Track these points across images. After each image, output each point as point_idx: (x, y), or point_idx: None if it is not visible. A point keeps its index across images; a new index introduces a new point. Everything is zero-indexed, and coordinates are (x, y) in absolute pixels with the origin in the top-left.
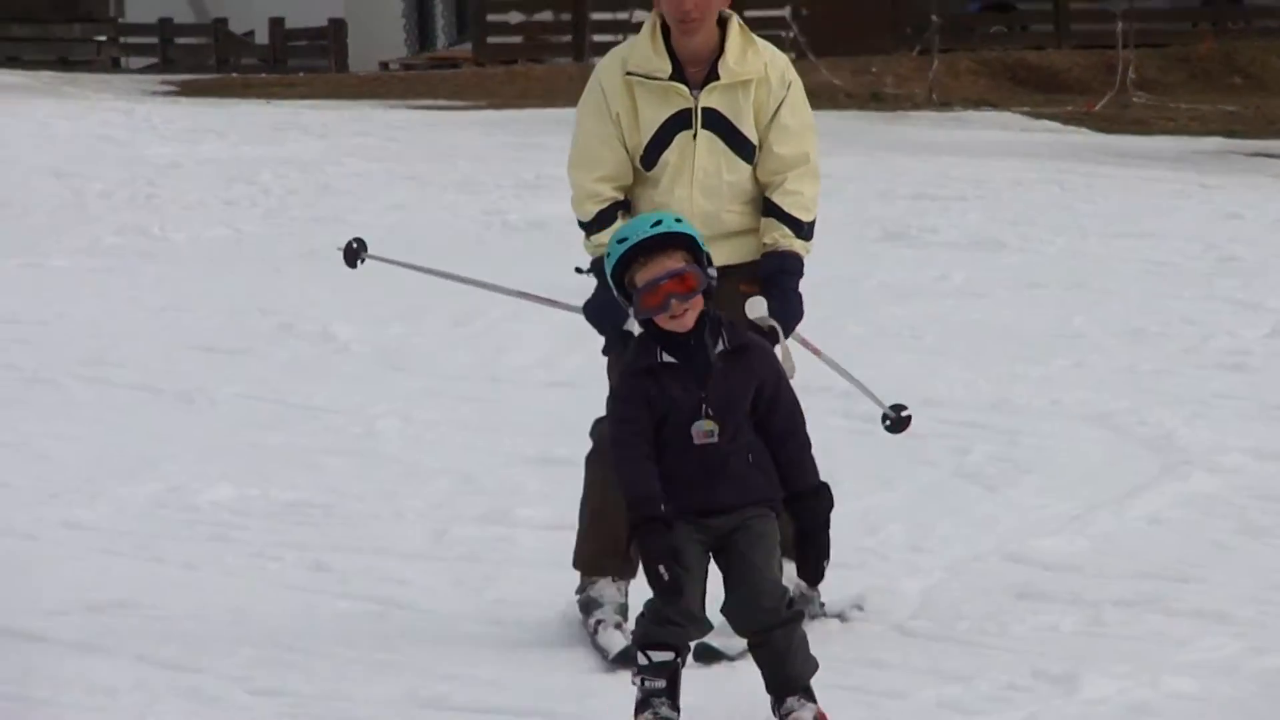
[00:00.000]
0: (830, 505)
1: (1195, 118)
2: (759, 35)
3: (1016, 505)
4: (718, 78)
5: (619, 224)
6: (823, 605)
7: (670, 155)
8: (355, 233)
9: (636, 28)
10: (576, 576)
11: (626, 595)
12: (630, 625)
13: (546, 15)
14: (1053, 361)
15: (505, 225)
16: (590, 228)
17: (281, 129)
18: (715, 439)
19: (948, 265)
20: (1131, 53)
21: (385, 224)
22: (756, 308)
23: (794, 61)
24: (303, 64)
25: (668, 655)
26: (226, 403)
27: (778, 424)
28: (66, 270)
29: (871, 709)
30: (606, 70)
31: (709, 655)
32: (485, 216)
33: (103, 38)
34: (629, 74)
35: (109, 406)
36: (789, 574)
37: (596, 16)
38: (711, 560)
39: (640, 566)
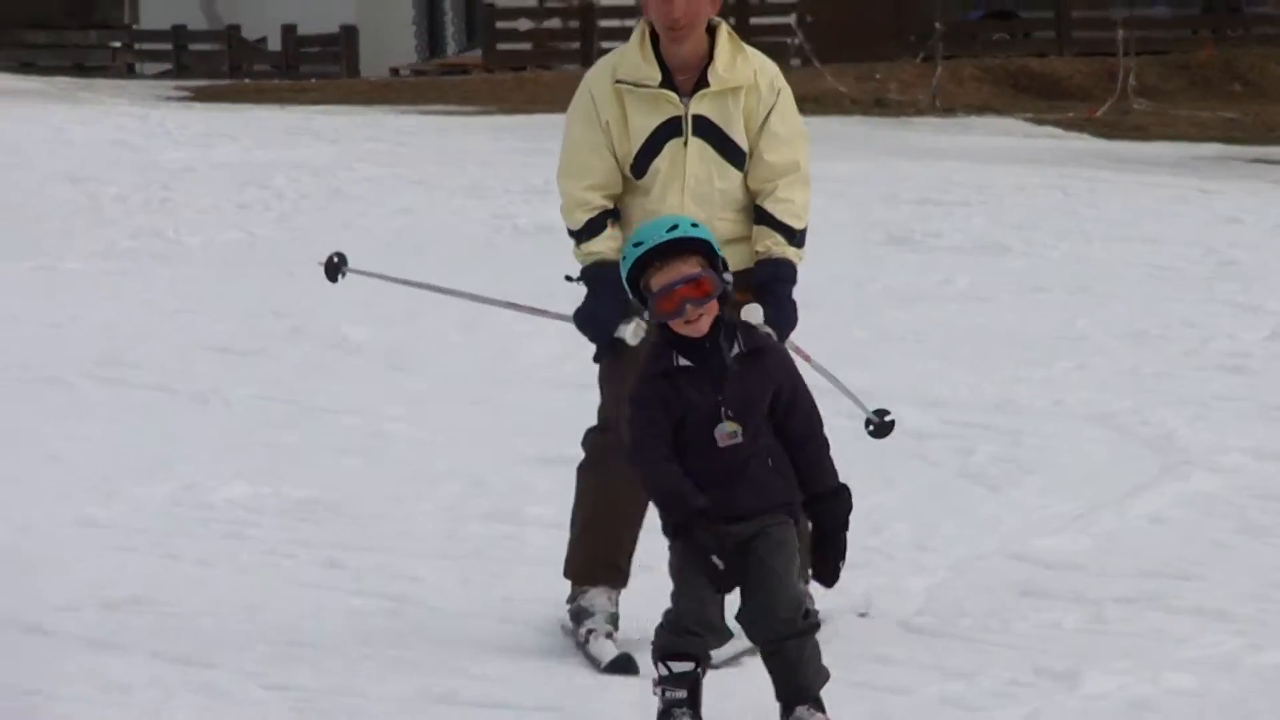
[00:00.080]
0: (849, 507)
1: (1195, 124)
2: (765, 43)
3: (1019, 505)
4: (707, 85)
5: (608, 232)
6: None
7: (661, 163)
8: (367, 237)
9: None
10: (567, 586)
11: (617, 605)
12: (620, 635)
13: (555, 23)
14: (1056, 364)
15: (514, 229)
16: (580, 236)
17: (294, 134)
18: (740, 439)
19: (952, 269)
20: (1132, 60)
21: (395, 227)
22: (752, 315)
23: (800, 68)
24: (315, 70)
25: (688, 665)
26: (240, 403)
27: (796, 427)
28: (82, 273)
29: (876, 704)
30: (596, 79)
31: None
32: (494, 220)
33: (117, 44)
34: (618, 82)
35: (124, 407)
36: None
37: (604, 24)
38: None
39: (629, 573)
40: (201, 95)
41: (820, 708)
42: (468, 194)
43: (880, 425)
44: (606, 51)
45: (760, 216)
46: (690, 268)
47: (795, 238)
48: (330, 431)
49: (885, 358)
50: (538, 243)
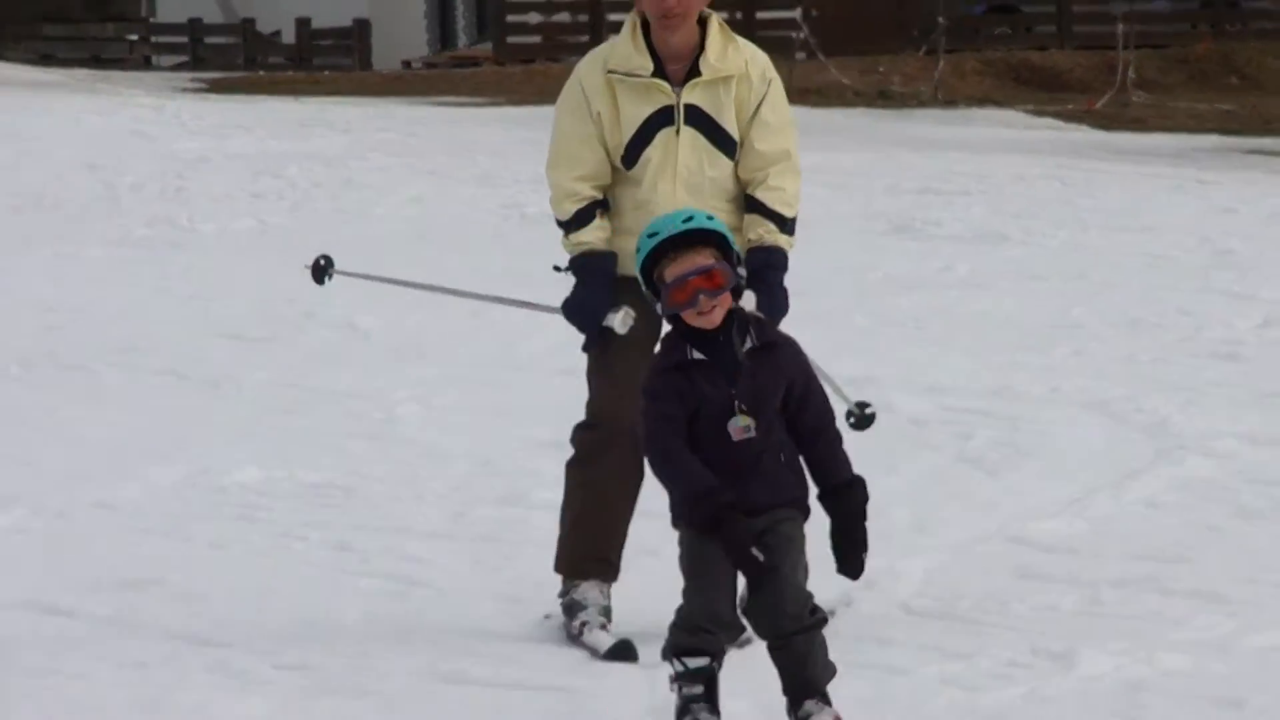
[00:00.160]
0: (866, 498)
1: (1193, 116)
2: (771, 36)
3: (1017, 489)
4: (699, 74)
5: (597, 222)
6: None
7: (652, 152)
8: (379, 225)
9: None
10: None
11: (609, 598)
12: (614, 626)
13: (564, 16)
14: (1053, 351)
15: (523, 218)
16: (569, 226)
17: (307, 125)
18: (753, 433)
19: (952, 257)
20: (1132, 53)
21: (406, 216)
22: (745, 302)
23: (805, 61)
24: (328, 62)
25: (703, 660)
26: (253, 388)
27: (809, 421)
28: (98, 260)
29: (876, 684)
30: (587, 70)
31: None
32: (503, 210)
33: (134, 37)
34: (610, 72)
35: (140, 391)
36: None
37: (613, 18)
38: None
39: (620, 567)
40: (217, 87)
41: (827, 701)
42: (478, 184)
43: (861, 418)
44: None
45: (752, 205)
46: (704, 259)
47: (786, 225)
48: (341, 416)
49: (886, 344)
50: (546, 231)
